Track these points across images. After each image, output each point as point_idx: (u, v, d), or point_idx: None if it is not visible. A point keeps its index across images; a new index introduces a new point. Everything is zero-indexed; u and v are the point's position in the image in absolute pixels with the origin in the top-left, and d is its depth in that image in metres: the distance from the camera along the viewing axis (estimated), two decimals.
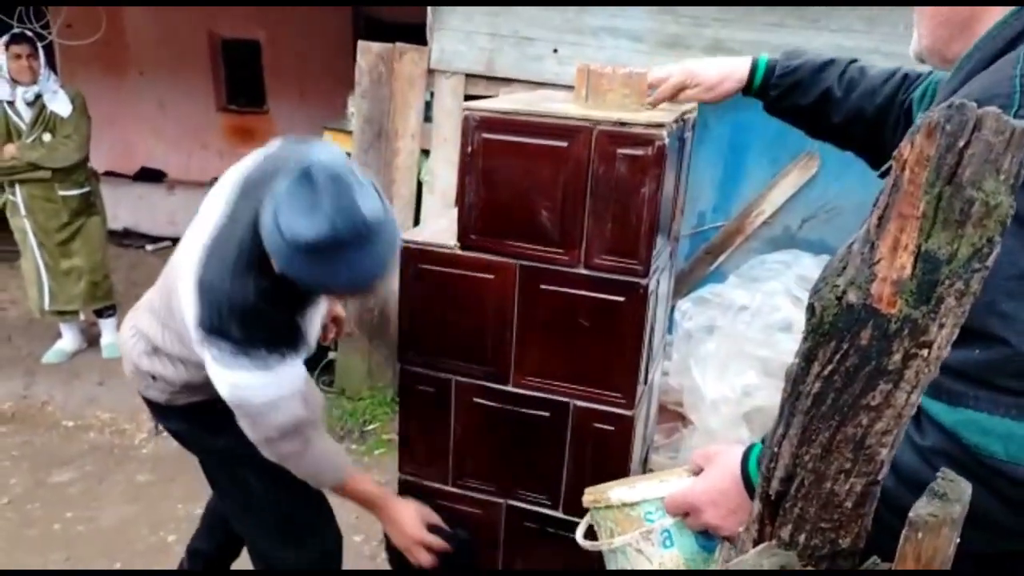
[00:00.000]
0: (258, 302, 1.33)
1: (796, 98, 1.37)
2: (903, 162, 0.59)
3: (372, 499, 1.63)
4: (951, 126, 0.57)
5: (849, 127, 1.34)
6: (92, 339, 4.07)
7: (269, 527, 1.73)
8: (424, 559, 1.59)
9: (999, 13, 0.84)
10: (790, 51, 1.40)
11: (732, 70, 1.41)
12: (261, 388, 1.37)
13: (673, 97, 1.44)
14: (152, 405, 1.72)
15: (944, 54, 0.92)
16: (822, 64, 1.35)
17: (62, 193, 3.66)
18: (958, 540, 0.61)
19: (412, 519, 1.60)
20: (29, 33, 3.65)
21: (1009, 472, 0.72)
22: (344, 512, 1.89)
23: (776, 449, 0.68)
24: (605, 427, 1.49)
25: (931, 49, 0.93)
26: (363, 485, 1.63)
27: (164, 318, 1.56)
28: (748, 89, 1.41)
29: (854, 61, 1.35)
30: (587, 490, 1.08)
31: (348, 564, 1.90)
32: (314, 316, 1.56)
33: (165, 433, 3.22)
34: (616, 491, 1.02)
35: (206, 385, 1.45)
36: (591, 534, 1.10)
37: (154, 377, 1.62)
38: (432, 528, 1.62)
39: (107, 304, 3.96)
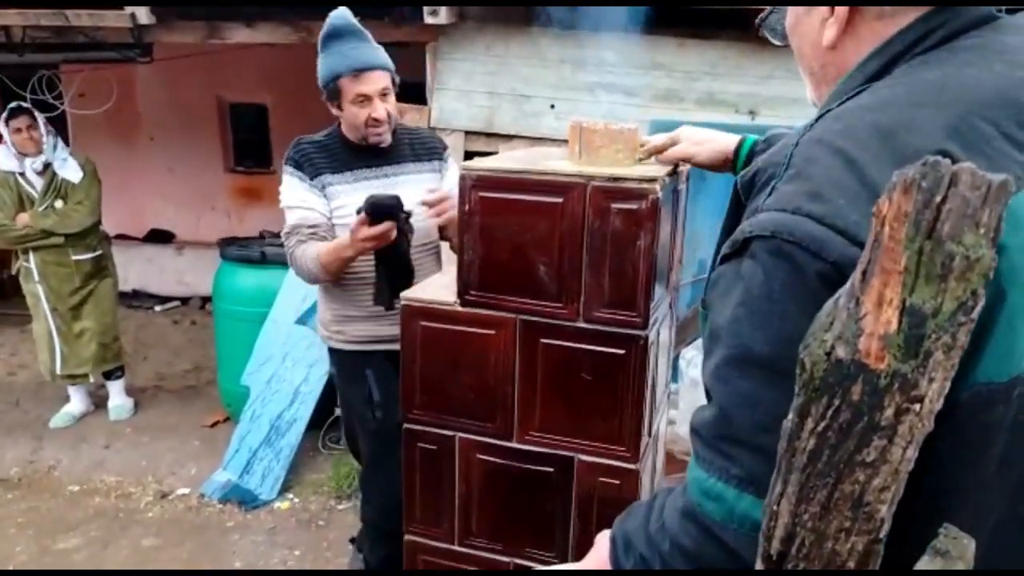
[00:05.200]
0: (301, 138, 2.27)
1: None
2: (882, 217, 0.60)
3: (341, 245, 2.05)
4: (927, 182, 0.58)
5: None
6: (99, 401, 4.08)
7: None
8: (364, 232, 1.93)
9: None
10: None
11: (721, 135, 1.46)
12: (287, 191, 2.21)
13: (664, 149, 1.48)
14: None
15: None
16: None
17: (75, 257, 3.72)
18: None
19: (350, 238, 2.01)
20: (26, 104, 3.68)
21: (721, 535, 0.74)
22: None
23: (775, 507, 0.67)
24: (611, 481, 1.47)
25: (820, 101, 0.88)
26: (329, 248, 2.08)
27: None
28: (737, 160, 1.43)
29: None
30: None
31: None
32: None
33: (172, 496, 3.21)
34: None
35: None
36: None
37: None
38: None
39: (116, 366, 3.98)
